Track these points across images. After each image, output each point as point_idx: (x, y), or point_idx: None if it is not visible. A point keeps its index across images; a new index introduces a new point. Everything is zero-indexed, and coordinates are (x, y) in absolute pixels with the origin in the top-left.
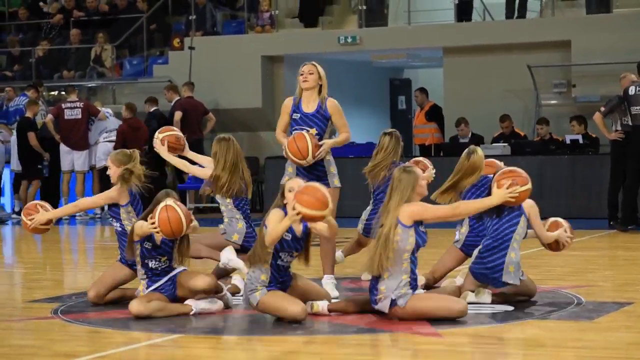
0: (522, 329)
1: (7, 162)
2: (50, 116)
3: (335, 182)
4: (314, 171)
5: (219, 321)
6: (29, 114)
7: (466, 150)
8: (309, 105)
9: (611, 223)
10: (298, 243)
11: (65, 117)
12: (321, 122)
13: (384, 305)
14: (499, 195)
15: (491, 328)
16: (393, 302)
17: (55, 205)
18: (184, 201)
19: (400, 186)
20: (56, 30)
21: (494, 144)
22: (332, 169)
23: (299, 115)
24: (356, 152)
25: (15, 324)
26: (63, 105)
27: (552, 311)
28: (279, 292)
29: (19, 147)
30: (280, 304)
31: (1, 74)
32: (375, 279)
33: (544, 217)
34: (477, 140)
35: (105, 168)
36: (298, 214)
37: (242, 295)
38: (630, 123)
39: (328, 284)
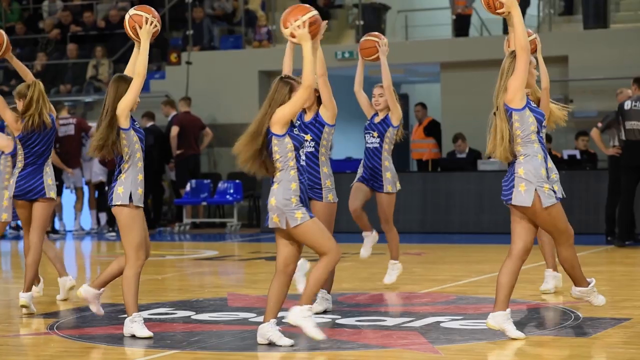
0: (520, 345)
1: None
2: None
3: (330, 197)
4: (310, 183)
5: (218, 337)
6: None
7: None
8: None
9: (609, 238)
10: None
11: (59, 134)
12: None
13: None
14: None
15: (488, 344)
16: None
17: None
18: (180, 216)
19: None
20: (53, 45)
21: (491, 159)
22: (329, 182)
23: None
24: (354, 167)
25: (11, 340)
26: (61, 121)
27: (550, 327)
28: (321, 223)
29: None
30: (322, 235)
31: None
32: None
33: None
34: (475, 155)
35: (101, 183)
36: (292, 33)
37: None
38: (624, 138)
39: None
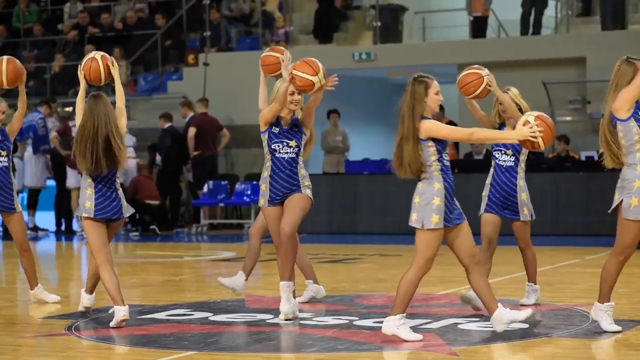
0: (537, 346)
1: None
2: (54, 133)
3: (308, 192)
4: (290, 179)
5: (236, 338)
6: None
7: None
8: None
9: None
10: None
11: (72, 134)
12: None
13: None
14: (520, 132)
15: (506, 346)
16: None
17: (68, 222)
18: (198, 217)
19: None
20: (71, 46)
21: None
22: (307, 182)
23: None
24: (370, 169)
25: (29, 341)
26: (70, 123)
27: (567, 329)
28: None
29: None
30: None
31: (16, 90)
32: None
33: (560, 234)
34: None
35: (120, 184)
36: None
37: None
38: None
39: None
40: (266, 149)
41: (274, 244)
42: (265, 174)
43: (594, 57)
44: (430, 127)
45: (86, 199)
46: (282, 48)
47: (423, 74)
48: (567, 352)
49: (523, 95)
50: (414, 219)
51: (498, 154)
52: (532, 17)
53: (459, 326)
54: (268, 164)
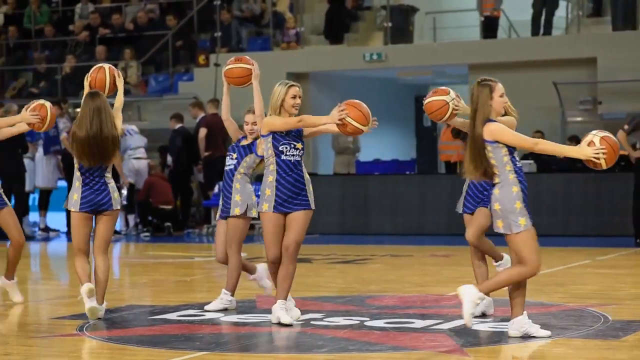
0: (549, 347)
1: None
2: (64, 134)
3: (312, 203)
4: (297, 183)
5: (247, 339)
6: None
7: None
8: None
9: (638, 241)
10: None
11: None
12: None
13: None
14: (584, 151)
15: (518, 346)
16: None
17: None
18: (209, 218)
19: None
20: (82, 47)
21: (520, 161)
22: (311, 187)
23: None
24: (381, 169)
25: (41, 341)
26: None
27: (579, 330)
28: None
29: None
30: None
31: (27, 91)
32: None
33: (571, 235)
34: None
35: (131, 185)
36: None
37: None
38: None
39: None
40: (270, 152)
41: (269, 255)
42: (270, 178)
43: (604, 58)
44: (496, 130)
45: (74, 191)
46: (247, 58)
47: (487, 78)
48: (579, 353)
49: (535, 96)
50: (500, 226)
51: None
52: (543, 18)
53: (472, 327)
54: (272, 167)
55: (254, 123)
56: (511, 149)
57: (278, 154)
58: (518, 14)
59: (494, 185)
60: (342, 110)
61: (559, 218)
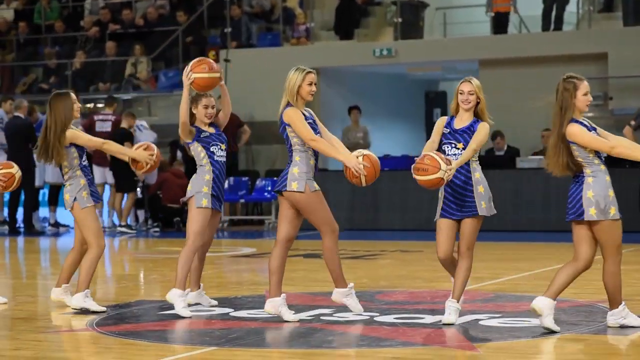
0: (559, 343)
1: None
2: (80, 127)
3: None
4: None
5: (257, 334)
6: (124, 125)
7: None
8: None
9: None
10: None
11: (96, 129)
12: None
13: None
14: None
15: (527, 342)
16: None
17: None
18: None
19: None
20: (92, 43)
21: (530, 157)
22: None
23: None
24: (391, 165)
25: (51, 336)
26: (95, 117)
27: (589, 325)
28: (209, 213)
29: (114, 158)
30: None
31: (37, 87)
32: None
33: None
34: (513, 153)
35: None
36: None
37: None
38: None
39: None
40: (300, 140)
41: (278, 246)
42: (296, 170)
43: (615, 53)
44: (575, 132)
45: (84, 188)
46: (209, 60)
47: (572, 74)
48: (589, 349)
49: (545, 91)
50: (592, 213)
51: (447, 147)
52: (553, 13)
53: (480, 322)
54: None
55: (213, 106)
56: None
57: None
58: (529, 9)
59: (577, 177)
60: (361, 164)
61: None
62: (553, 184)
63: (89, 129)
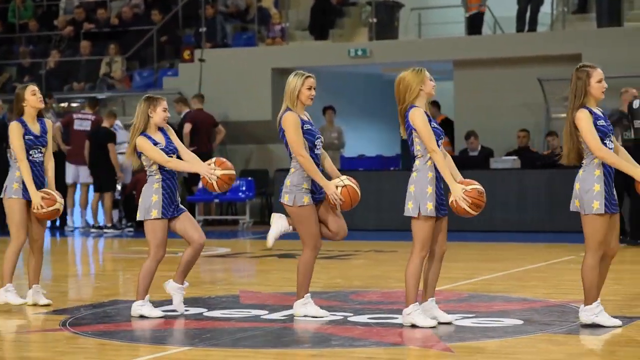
0: (532, 343)
1: None
2: (58, 124)
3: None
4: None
5: (230, 334)
6: (106, 124)
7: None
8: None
9: (620, 237)
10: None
11: (75, 127)
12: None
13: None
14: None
15: (500, 342)
16: None
17: (62, 218)
18: (193, 213)
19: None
20: (66, 42)
21: (504, 157)
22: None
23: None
24: (366, 165)
25: (24, 336)
26: (74, 116)
27: (561, 325)
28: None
29: (95, 158)
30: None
31: (12, 85)
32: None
33: (555, 231)
34: (487, 153)
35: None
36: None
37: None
38: (632, 137)
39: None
40: (305, 144)
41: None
42: (289, 182)
43: (589, 54)
44: (579, 116)
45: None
46: (225, 162)
47: (586, 64)
48: (561, 349)
49: (519, 92)
50: (577, 205)
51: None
52: (528, 14)
53: (454, 322)
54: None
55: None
56: (601, 135)
57: (312, 147)
58: (503, 10)
59: (580, 167)
60: (340, 199)
61: (543, 214)
62: (527, 184)
63: (67, 126)
